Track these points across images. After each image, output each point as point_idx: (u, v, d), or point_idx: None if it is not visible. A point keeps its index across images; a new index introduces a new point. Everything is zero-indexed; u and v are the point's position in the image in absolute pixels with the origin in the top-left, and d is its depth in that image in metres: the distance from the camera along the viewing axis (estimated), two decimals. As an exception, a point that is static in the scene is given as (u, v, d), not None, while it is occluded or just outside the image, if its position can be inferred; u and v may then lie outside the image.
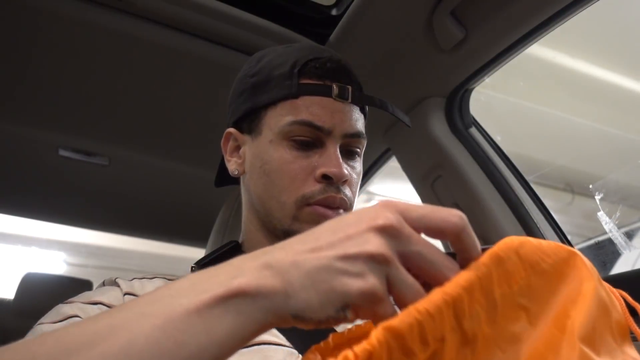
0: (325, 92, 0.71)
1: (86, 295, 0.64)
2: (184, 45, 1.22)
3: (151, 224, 2.26)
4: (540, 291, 0.37)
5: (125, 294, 0.65)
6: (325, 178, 0.69)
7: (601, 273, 1.17)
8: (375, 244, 0.33)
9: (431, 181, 1.27)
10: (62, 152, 1.66)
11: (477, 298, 0.34)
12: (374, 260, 0.33)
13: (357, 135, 0.73)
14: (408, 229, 0.34)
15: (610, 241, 1.25)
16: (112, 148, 1.68)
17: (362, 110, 0.77)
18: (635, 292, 0.94)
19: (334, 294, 0.33)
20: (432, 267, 0.34)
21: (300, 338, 0.64)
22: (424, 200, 1.33)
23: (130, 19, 1.16)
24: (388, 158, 1.50)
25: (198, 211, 1.98)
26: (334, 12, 1.18)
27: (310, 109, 0.70)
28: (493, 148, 1.23)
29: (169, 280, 0.71)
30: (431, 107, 1.25)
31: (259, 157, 0.73)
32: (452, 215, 0.36)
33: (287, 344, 0.63)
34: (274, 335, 0.64)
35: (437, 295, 0.33)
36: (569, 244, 1.10)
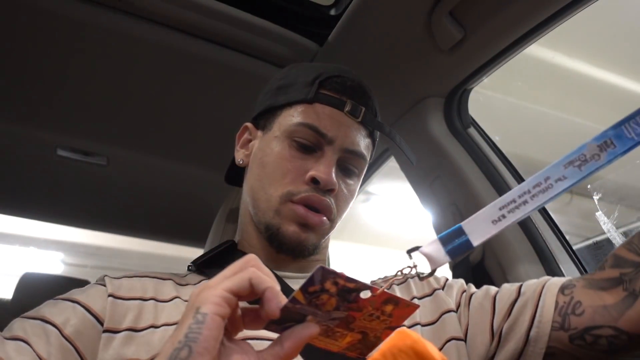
0: (338, 105, 0.75)
1: (70, 294, 0.67)
2: (182, 44, 1.22)
3: (149, 223, 2.25)
4: None
5: (110, 295, 0.66)
6: (314, 182, 0.71)
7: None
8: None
9: (430, 181, 1.27)
10: (60, 152, 1.65)
11: None
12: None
13: (357, 153, 0.76)
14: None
15: (608, 241, 1.25)
16: (110, 148, 1.67)
17: (371, 136, 0.79)
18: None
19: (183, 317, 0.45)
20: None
21: None
22: (422, 200, 1.33)
23: (129, 18, 1.15)
24: (387, 158, 1.50)
25: (196, 211, 1.98)
26: (332, 12, 1.18)
27: (320, 116, 0.74)
28: (491, 148, 1.23)
29: (160, 279, 0.72)
30: (430, 107, 1.25)
31: (262, 149, 0.77)
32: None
33: None
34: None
35: None
36: (568, 244, 1.10)
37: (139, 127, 1.57)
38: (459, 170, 1.19)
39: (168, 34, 1.19)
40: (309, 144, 0.74)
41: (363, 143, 0.77)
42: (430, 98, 1.25)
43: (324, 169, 0.71)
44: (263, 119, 0.79)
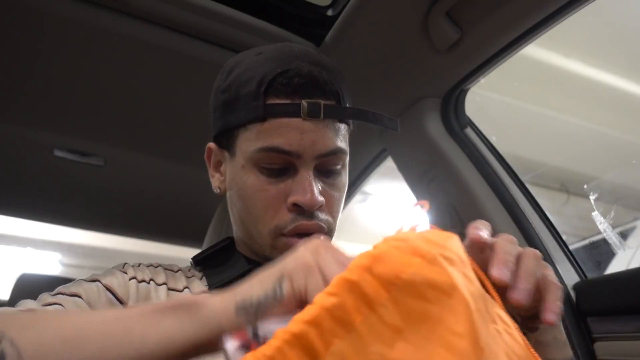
0: (294, 112, 0.66)
1: (94, 275, 0.70)
2: (179, 45, 1.22)
3: (147, 224, 2.25)
4: (411, 306, 0.34)
5: (131, 278, 0.70)
6: (297, 206, 0.67)
7: (596, 273, 1.17)
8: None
9: (427, 181, 1.28)
10: (58, 153, 1.65)
11: (332, 331, 0.32)
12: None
13: (333, 152, 0.69)
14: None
15: (604, 241, 1.26)
16: (107, 149, 1.67)
17: (343, 120, 0.71)
18: (630, 292, 0.95)
19: (273, 270, 0.43)
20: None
21: None
22: (419, 200, 1.33)
23: (125, 19, 1.15)
24: (384, 158, 1.50)
25: (194, 211, 1.98)
26: (329, 12, 1.18)
27: (278, 132, 0.66)
28: (488, 148, 1.23)
29: (171, 271, 0.75)
30: (427, 107, 1.25)
31: (234, 180, 0.72)
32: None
33: None
34: None
35: (276, 338, 0.32)
36: (564, 244, 1.11)
37: (136, 128, 1.56)
38: (456, 170, 1.19)
39: (166, 35, 1.19)
40: (279, 167, 0.67)
41: (336, 137, 0.69)
42: (427, 98, 1.25)
43: (303, 190, 0.66)
44: (224, 139, 0.74)
